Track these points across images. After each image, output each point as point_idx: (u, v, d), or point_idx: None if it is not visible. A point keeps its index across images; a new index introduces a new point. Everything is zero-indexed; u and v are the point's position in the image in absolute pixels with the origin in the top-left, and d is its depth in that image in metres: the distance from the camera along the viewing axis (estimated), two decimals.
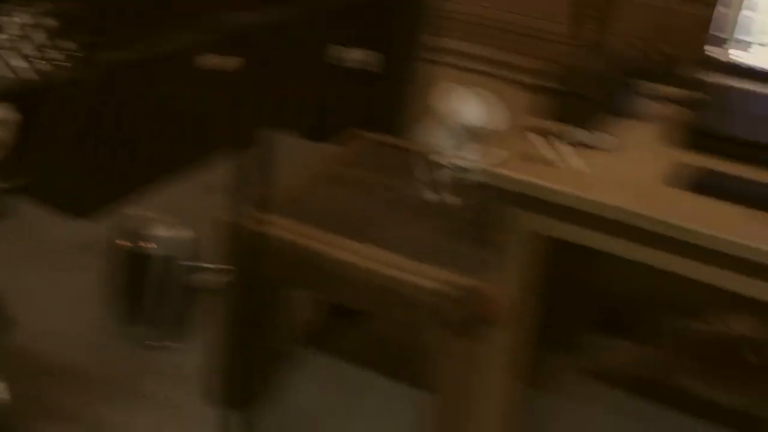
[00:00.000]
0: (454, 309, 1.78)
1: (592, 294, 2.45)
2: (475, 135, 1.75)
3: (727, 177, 1.70)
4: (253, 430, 2.11)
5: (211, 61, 1.66)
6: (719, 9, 1.87)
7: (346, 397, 2.29)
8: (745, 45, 1.85)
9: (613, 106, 1.89)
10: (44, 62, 1.56)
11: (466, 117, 1.75)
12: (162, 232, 2.36)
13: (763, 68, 1.86)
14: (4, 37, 1.51)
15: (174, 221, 2.39)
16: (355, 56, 1.97)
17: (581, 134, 1.79)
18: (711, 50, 1.84)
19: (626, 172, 1.73)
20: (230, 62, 1.61)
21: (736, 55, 1.85)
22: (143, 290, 2.36)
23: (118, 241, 2.35)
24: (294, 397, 2.27)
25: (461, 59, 2.38)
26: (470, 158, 1.75)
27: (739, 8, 1.85)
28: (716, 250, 1.57)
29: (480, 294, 1.76)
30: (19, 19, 1.51)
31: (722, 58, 1.85)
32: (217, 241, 1.99)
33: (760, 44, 1.84)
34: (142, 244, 2.35)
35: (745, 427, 2.28)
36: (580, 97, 1.86)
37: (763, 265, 1.54)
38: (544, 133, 1.79)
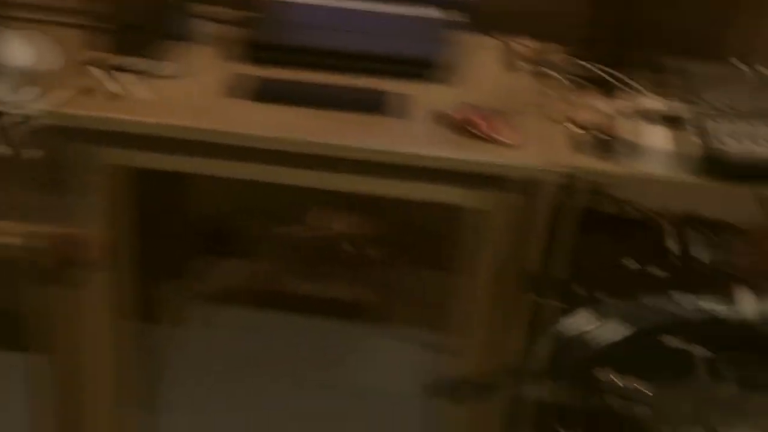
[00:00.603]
0: (46, 260, 1.74)
1: (196, 217, 2.49)
2: (31, 78, 1.69)
3: (285, 83, 1.81)
4: None
5: None
6: None
7: None
8: None
9: (170, 32, 1.92)
10: None
11: (18, 60, 1.68)
12: None
13: None
14: None
15: None
16: None
17: (143, 64, 1.80)
18: None
19: (192, 93, 1.77)
20: None
21: None
22: None
23: None
24: None
25: (20, 11, 2.26)
26: (31, 102, 1.69)
27: None
28: (289, 152, 1.68)
29: (70, 239, 1.73)
30: None
31: None
32: None
33: None
34: None
35: (354, 314, 2.49)
36: (136, 27, 1.86)
37: (335, 158, 1.67)
38: (106, 67, 1.77)
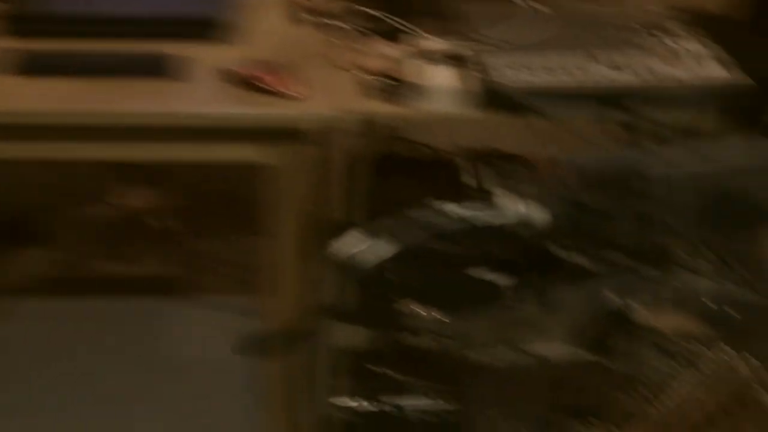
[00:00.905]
0: None
1: None
2: None
3: (55, 54, 1.72)
4: None
5: None
6: None
7: None
8: None
9: None
10: None
11: None
12: None
13: None
14: None
15: None
16: None
17: None
18: None
19: None
20: None
21: None
22: None
23: None
24: None
25: None
26: None
27: None
28: (68, 126, 1.60)
29: None
30: None
31: None
32: None
33: None
34: None
35: (165, 289, 2.42)
36: None
37: (117, 127, 1.61)
38: None
